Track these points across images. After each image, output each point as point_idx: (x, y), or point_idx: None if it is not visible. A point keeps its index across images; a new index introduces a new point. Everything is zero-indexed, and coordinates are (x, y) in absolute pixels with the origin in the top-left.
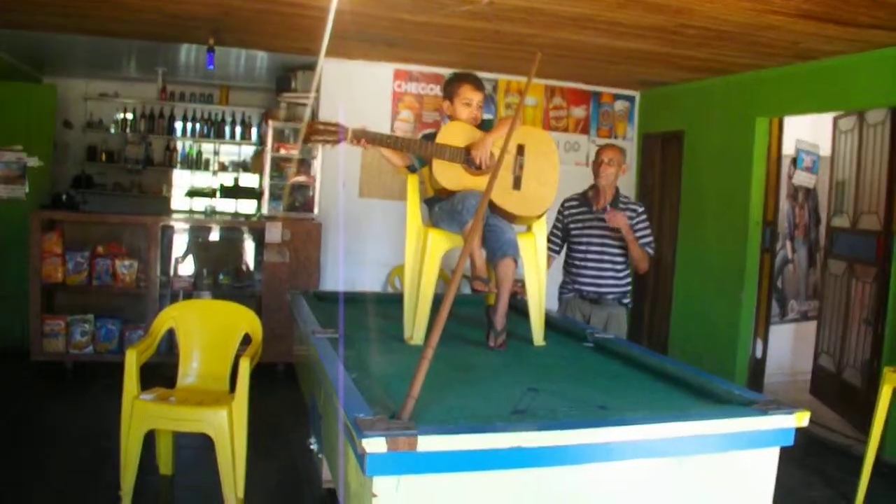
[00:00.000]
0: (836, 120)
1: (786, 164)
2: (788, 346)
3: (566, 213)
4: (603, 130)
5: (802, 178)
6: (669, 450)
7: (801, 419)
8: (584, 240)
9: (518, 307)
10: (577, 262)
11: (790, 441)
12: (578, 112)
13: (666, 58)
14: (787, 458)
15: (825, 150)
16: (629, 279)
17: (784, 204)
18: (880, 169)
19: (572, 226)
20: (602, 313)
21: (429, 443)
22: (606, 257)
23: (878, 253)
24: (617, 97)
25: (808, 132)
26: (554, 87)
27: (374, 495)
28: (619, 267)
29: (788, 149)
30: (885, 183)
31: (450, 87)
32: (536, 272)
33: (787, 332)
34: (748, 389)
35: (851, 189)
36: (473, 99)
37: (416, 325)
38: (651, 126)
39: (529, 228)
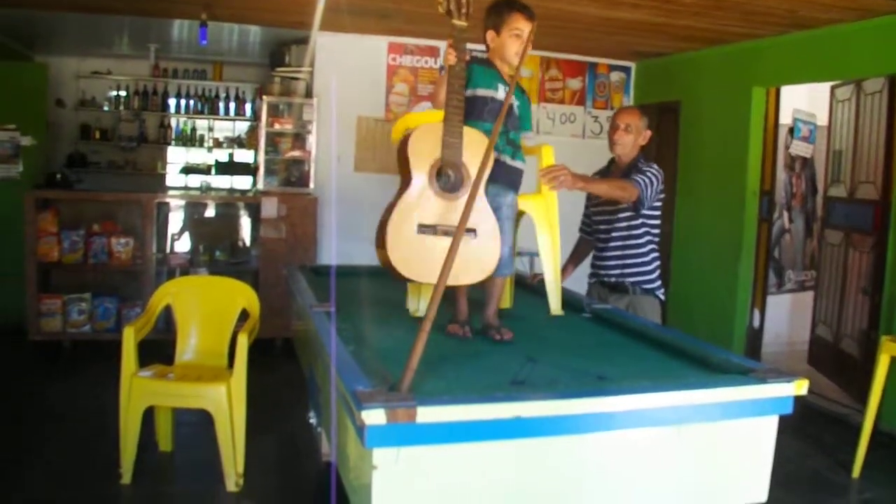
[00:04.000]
0: (833, 89)
1: (783, 133)
2: (786, 316)
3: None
4: (599, 102)
5: (799, 148)
6: (668, 419)
7: (800, 387)
8: (605, 222)
9: (522, 283)
10: (598, 246)
11: (789, 409)
12: (574, 83)
13: (661, 28)
14: (786, 428)
15: (822, 119)
16: (656, 267)
17: (781, 174)
18: (878, 138)
19: (594, 208)
20: (621, 301)
21: (428, 414)
22: (631, 241)
23: (875, 222)
24: (613, 68)
25: (805, 101)
26: (550, 59)
27: (375, 467)
28: (643, 252)
29: (785, 118)
30: (882, 152)
31: (496, 15)
32: (551, 237)
33: (784, 302)
34: (746, 358)
35: (849, 158)
36: (525, 29)
37: (420, 297)
38: (647, 97)
39: (540, 189)
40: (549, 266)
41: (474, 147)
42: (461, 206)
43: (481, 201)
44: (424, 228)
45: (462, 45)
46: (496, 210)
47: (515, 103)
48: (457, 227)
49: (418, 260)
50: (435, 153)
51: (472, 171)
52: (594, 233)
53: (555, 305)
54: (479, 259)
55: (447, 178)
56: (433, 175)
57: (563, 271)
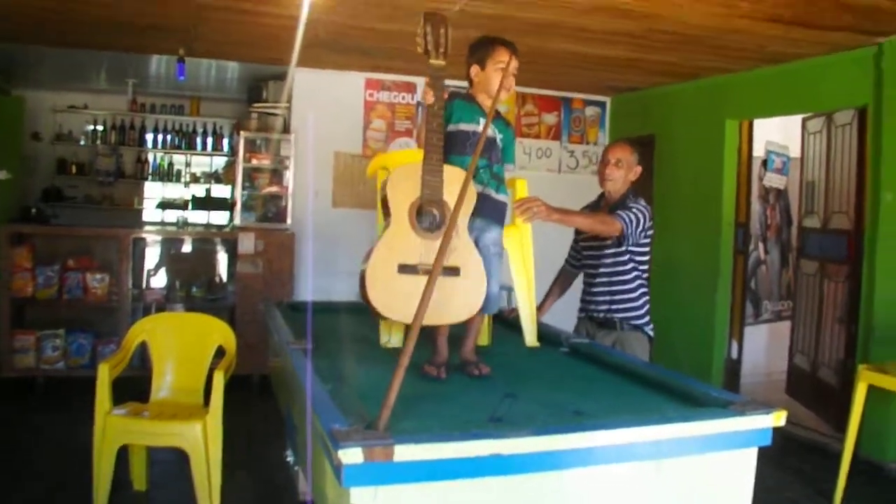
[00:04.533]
0: (804, 121)
1: (756, 165)
2: (763, 347)
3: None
4: (574, 136)
5: (773, 180)
6: (648, 453)
7: (779, 419)
8: (592, 257)
9: (500, 318)
10: (587, 281)
11: (768, 441)
12: (550, 118)
13: (635, 63)
14: (766, 458)
15: (795, 151)
16: (645, 303)
17: (756, 205)
18: (849, 169)
19: (583, 242)
20: (609, 338)
21: (406, 452)
22: (618, 277)
23: (849, 252)
24: (588, 103)
25: (777, 134)
26: (525, 94)
27: None
28: (631, 287)
29: (759, 151)
30: (853, 183)
31: (481, 50)
32: (525, 268)
33: (761, 332)
34: (725, 390)
35: (821, 189)
36: (510, 63)
37: (392, 328)
38: (622, 131)
39: (514, 222)
40: (524, 297)
41: (455, 185)
42: (437, 245)
43: (465, 239)
44: (405, 268)
45: (439, 83)
46: (483, 246)
47: (499, 136)
48: (433, 264)
49: (400, 300)
50: (415, 193)
51: (452, 209)
52: (583, 267)
53: (530, 338)
54: (464, 298)
55: (430, 216)
56: (413, 214)
57: (542, 306)
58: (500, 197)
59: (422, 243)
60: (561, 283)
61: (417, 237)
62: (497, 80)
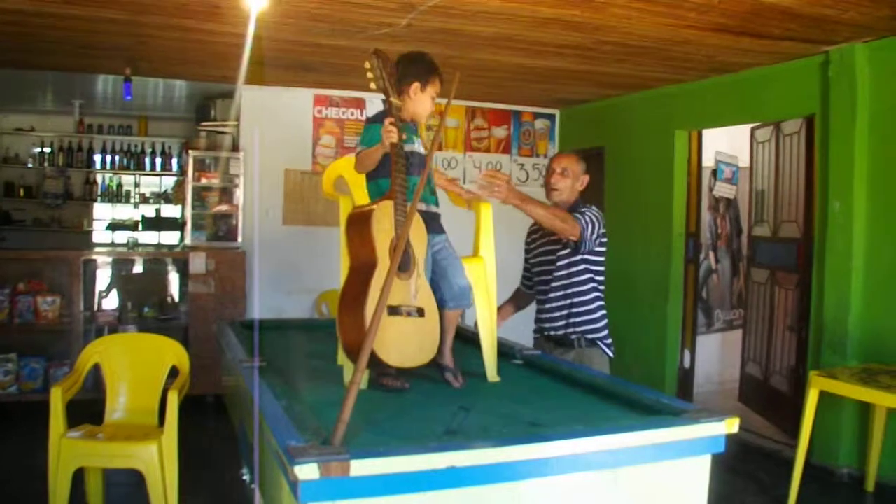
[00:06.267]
0: (753, 131)
1: (706, 175)
2: (716, 356)
3: (528, 242)
4: (524, 149)
5: (723, 190)
6: (603, 462)
7: (731, 426)
8: (544, 271)
9: (464, 336)
10: (540, 298)
11: (721, 448)
12: (499, 132)
13: (584, 75)
14: (720, 465)
15: (744, 160)
16: (602, 316)
17: (706, 215)
18: (798, 177)
19: (533, 259)
20: (568, 356)
21: (362, 467)
22: (573, 289)
23: (798, 260)
24: (537, 116)
25: (726, 144)
26: (475, 108)
27: None
28: (587, 299)
29: (708, 161)
30: (802, 191)
31: (424, 71)
32: (487, 301)
33: (713, 341)
34: (678, 399)
35: (771, 198)
36: (435, 95)
37: None
38: (572, 143)
39: (477, 252)
40: (486, 331)
41: (415, 228)
42: (412, 286)
43: (425, 282)
44: (392, 310)
45: (398, 122)
46: (439, 252)
47: (423, 150)
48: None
49: (393, 343)
50: (391, 233)
51: (416, 249)
52: (536, 284)
53: (491, 373)
54: (431, 337)
55: (405, 258)
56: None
57: (500, 310)
58: (436, 209)
59: (398, 284)
60: (515, 300)
61: (397, 279)
62: (430, 107)
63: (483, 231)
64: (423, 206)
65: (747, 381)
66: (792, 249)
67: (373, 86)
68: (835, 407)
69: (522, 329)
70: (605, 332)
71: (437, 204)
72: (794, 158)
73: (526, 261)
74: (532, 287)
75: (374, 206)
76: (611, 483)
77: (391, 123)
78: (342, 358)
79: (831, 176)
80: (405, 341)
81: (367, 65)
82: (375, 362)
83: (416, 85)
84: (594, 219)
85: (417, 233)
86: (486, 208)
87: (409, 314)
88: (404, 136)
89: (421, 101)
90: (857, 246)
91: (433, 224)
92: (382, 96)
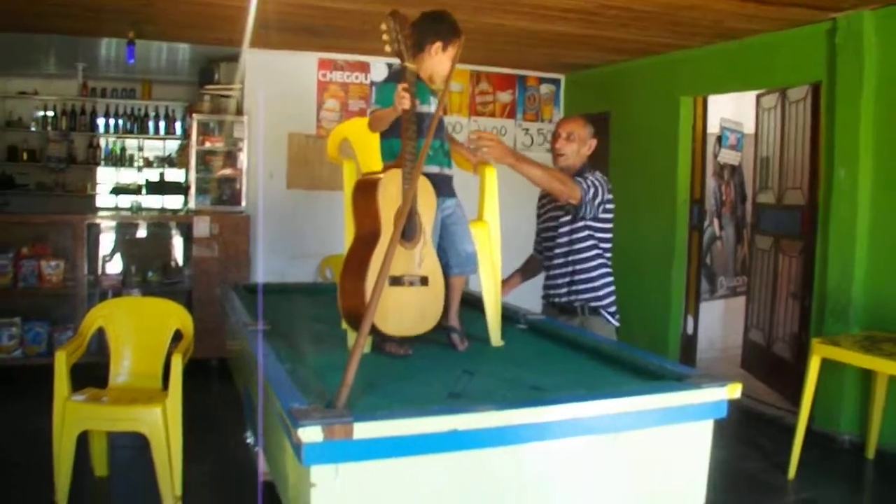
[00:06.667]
0: (758, 98)
1: (711, 142)
2: (719, 322)
3: (539, 206)
4: (529, 115)
5: (728, 156)
6: (605, 427)
7: (733, 391)
8: (549, 236)
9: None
10: (546, 265)
11: (723, 413)
12: (504, 97)
13: (589, 40)
14: (722, 431)
15: (749, 127)
16: (607, 285)
17: (710, 182)
18: (803, 144)
19: (542, 224)
20: (572, 323)
21: (365, 429)
22: (575, 256)
23: (803, 227)
24: (542, 81)
25: (731, 110)
26: (479, 73)
27: (313, 484)
28: (589, 266)
29: (713, 127)
30: (807, 158)
31: (447, 30)
32: (491, 265)
33: (717, 308)
34: (680, 364)
35: (775, 165)
36: (456, 58)
37: None
38: (577, 108)
39: (481, 216)
40: (490, 296)
41: (424, 194)
42: (417, 255)
43: (431, 250)
44: (394, 280)
45: (414, 88)
46: (449, 217)
47: (442, 114)
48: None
49: (393, 313)
50: (397, 202)
51: (424, 218)
52: (543, 250)
53: (495, 337)
54: (434, 306)
55: (409, 227)
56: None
57: (508, 281)
58: (449, 171)
59: (402, 253)
60: (525, 269)
61: (402, 248)
62: (450, 68)
63: (488, 195)
64: (435, 169)
65: (750, 348)
66: (796, 216)
67: (388, 48)
68: (837, 374)
69: (529, 295)
70: (609, 301)
71: (450, 166)
72: (800, 125)
73: (537, 225)
74: (541, 250)
75: (381, 175)
76: (613, 447)
77: (404, 89)
78: (346, 323)
79: (837, 143)
80: (404, 311)
81: (384, 26)
82: (375, 331)
83: (438, 44)
84: (597, 183)
85: (426, 199)
86: (490, 172)
87: (411, 284)
88: (418, 102)
89: (441, 62)
90: (861, 213)
91: (445, 187)
92: (389, 60)
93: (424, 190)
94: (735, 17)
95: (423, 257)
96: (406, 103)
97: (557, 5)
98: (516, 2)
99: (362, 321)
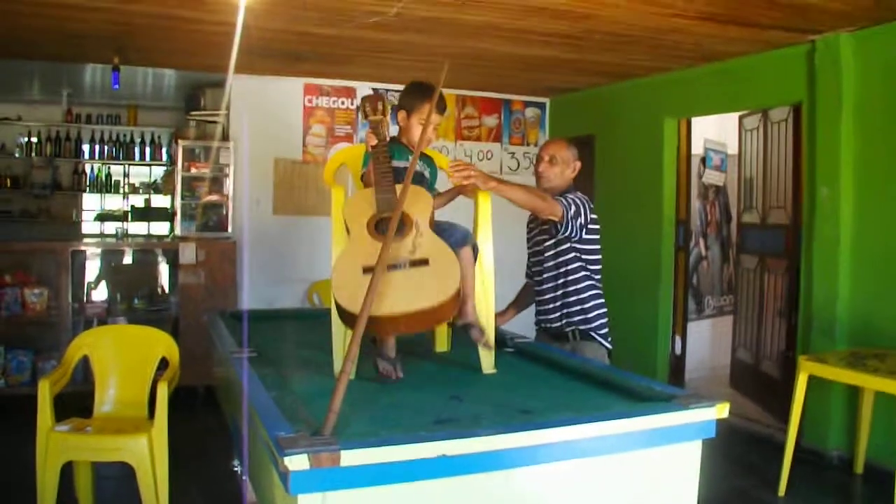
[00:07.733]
0: (741, 119)
1: (695, 163)
2: (706, 342)
3: (527, 231)
4: (515, 138)
5: (712, 177)
6: (594, 449)
7: (722, 411)
8: (537, 262)
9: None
10: (537, 290)
11: (712, 433)
12: (490, 121)
13: (573, 64)
14: (712, 450)
15: (733, 148)
16: (598, 307)
17: (695, 202)
18: (785, 164)
19: (530, 250)
20: (565, 349)
21: (352, 457)
22: (564, 279)
23: (787, 246)
24: (527, 104)
25: (715, 132)
26: (465, 97)
27: None
28: (579, 288)
29: (697, 148)
30: (790, 178)
31: (411, 99)
32: (483, 291)
33: (704, 327)
34: (668, 385)
35: (759, 185)
36: (432, 120)
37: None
38: (562, 132)
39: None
40: (483, 322)
41: (418, 200)
42: (407, 243)
43: (429, 234)
44: (369, 270)
45: (379, 130)
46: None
47: (427, 170)
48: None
49: (387, 298)
50: (369, 212)
51: (417, 217)
52: (533, 275)
53: (487, 364)
54: (439, 280)
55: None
56: (371, 226)
57: (503, 314)
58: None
59: (394, 245)
60: (518, 301)
61: (377, 242)
62: (418, 132)
63: (482, 221)
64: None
65: (738, 367)
66: (780, 235)
67: (361, 113)
68: (824, 391)
69: (523, 322)
70: (600, 323)
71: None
72: (782, 146)
73: (528, 250)
74: (531, 275)
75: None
76: (601, 469)
77: (369, 132)
78: (335, 349)
79: (818, 163)
80: (395, 290)
81: (359, 105)
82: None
83: (402, 114)
84: (578, 201)
85: (415, 199)
86: (484, 198)
87: (394, 267)
88: (386, 142)
89: (408, 128)
90: (844, 231)
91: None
92: (375, 85)
93: (418, 195)
94: (716, 39)
95: (416, 246)
96: (372, 140)
97: (542, 30)
98: (500, 26)
99: (350, 345)
